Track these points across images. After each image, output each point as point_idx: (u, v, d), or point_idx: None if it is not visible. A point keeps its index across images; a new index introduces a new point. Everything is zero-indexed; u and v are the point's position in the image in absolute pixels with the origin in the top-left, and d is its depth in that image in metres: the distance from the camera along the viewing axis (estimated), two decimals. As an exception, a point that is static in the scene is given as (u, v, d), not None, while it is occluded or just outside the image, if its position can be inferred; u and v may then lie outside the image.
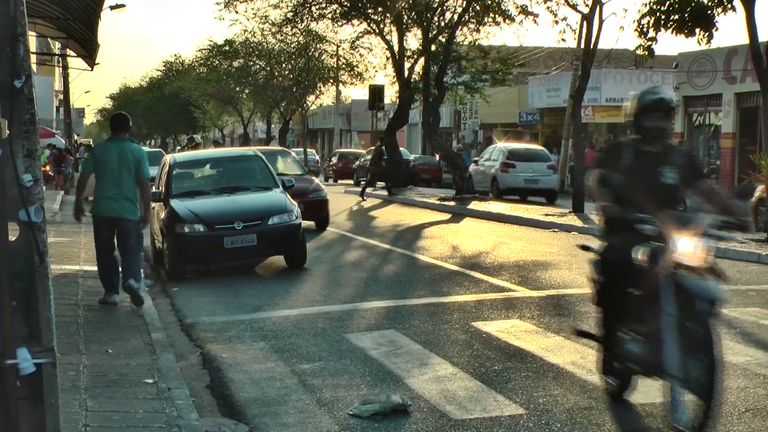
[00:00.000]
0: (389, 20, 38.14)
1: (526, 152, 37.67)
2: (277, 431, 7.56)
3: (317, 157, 67.64)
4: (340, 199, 37.57)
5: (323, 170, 59.72)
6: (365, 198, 37.45)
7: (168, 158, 19.09)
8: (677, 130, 44.40)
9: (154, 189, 18.43)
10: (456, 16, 36.54)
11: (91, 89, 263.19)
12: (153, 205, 18.24)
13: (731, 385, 8.42)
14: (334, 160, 61.41)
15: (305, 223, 21.41)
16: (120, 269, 12.89)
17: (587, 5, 28.43)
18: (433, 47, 37.34)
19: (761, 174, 19.80)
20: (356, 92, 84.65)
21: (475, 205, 30.96)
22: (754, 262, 16.97)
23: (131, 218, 12.81)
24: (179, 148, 63.80)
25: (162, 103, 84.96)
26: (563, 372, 9.04)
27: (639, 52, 23.48)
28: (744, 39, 20.38)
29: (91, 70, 24.89)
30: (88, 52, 20.88)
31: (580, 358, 9.54)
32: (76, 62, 29.94)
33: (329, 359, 9.92)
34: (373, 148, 42.60)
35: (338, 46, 53.96)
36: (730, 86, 39.72)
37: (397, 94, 40.32)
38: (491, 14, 36.20)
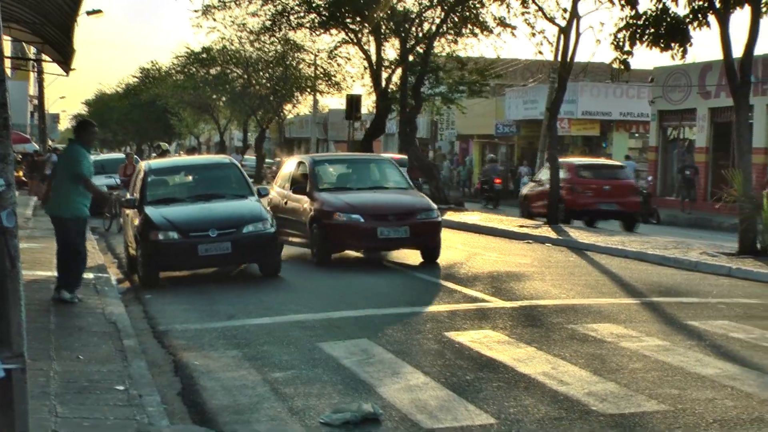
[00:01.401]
0: (367, 30, 38.19)
1: (401, 161, 44.58)
2: (247, 439, 7.57)
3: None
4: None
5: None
6: None
7: (143, 165, 19.04)
8: (652, 143, 44.68)
9: (128, 195, 18.42)
10: (434, 27, 36.64)
11: (67, 95, 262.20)
12: (127, 211, 18.25)
13: (699, 396, 8.49)
14: None
15: (406, 255, 19.28)
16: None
17: (565, 18, 28.59)
18: (410, 58, 37.44)
19: (733, 189, 19.94)
20: (333, 102, 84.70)
21: (450, 216, 31.00)
22: (724, 276, 17.09)
23: None
24: (154, 155, 63.63)
25: (138, 109, 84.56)
26: (534, 382, 9.08)
27: (615, 65, 23.58)
28: (718, 54, 20.55)
29: (67, 75, 24.78)
30: (64, 57, 20.80)
31: (551, 369, 9.58)
32: (51, 67, 29.83)
33: (302, 368, 9.92)
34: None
35: (316, 56, 53.99)
36: (705, 101, 39.97)
37: (375, 104, 40.41)
38: (469, 26, 36.32)
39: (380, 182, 20.09)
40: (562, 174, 29.33)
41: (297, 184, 19.74)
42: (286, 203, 19.97)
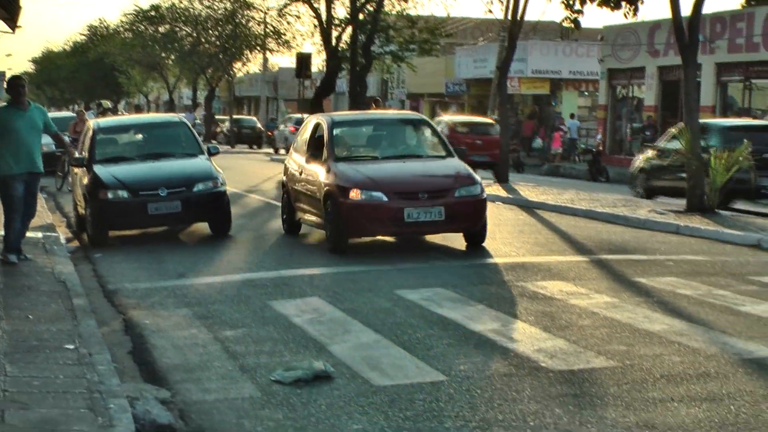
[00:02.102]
0: (317, -12, 37.97)
1: None
2: (199, 397, 7.57)
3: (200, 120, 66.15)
4: (268, 167, 37.66)
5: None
6: None
7: (92, 123, 18.85)
8: (601, 102, 44.92)
9: (77, 154, 18.23)
10: (384, -15, 36.47)
11: (13, 53, 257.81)
12: (76, 170, 18.08)
13: (647, 352, 8.60)
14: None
15: (449, 238, 15.72)
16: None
17: (514, -23, 28.53)
18: (360, 16, 37.27)
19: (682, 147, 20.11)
20: (283, 60, 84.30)
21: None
22: (672, 233, 17.25)
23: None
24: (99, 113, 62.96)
25: (86, 68, 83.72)
26: (484, 340, 9.14)
27: (565, 24, 23.64)
28: (667, 13, 20.62)
29: (13, 32, 24.42)
30: (10, 14, 20.49)
31: (501, 326, 9.65)
32: (-3, 24, 29.33)
33: (252, 326, 9.93)
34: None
35: (266, 14, 53.65)
36: (654, 59, 40.21)
37: (325, 63, 40.23)
38: (419, -16, 36.22)
39: (414, 149, 16.47)
40: (443, 130, 32.96)
41: (312, 151, 16.17)
42: (301, 173, 16.41)
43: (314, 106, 40.03)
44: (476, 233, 15.08)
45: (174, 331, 9.82)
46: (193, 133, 18.41)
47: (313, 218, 15.75)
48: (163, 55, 65.40)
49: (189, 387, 7.83)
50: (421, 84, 58.87)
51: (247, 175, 32.36)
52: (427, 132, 16.88)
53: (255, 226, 18.59)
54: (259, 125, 65.66)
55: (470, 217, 14.71)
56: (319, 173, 15.38)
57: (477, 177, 15.24)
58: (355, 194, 14.36)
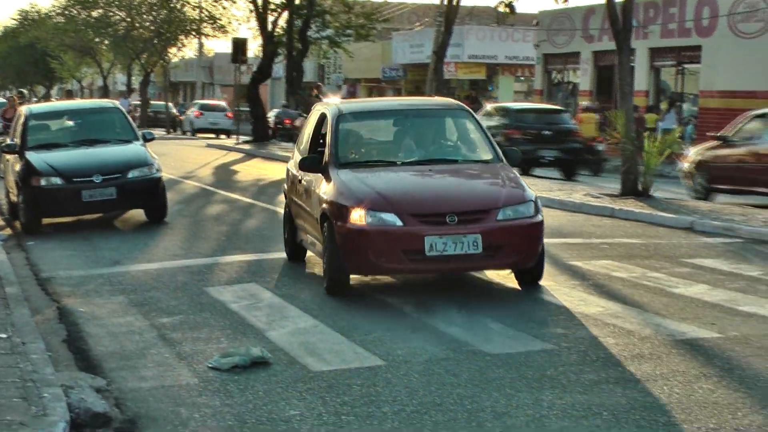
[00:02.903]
0: (252, -28, 37.78)
1: (211, 106, 58.70)
2: (135, 385, 7.51)
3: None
4: (204, 153, 37.43)
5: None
6: None
7: (24, 109, 18.60)
8: (537, 87, 45.18)
9: (8, 140, 17.97)
10: (320, -30, 36.40)
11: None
12: (8, 157, 17.82)
13: (583, 334, 8.68)
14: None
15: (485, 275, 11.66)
16: None
17: (450, -39, 28.59)
18: (296, 1, 37.15)
19: (616, 131, 20.29)
20: (219, 45, 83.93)
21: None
22: (607, 216, 17.41)
23: None
24: (35, 99, 62.27)
25: (18, 53, 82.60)
26: (422, 324, 9.17)
27: (501, 9, 23.72)
28: (601, -2, 20.79)
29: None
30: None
31: (439, 310, 9.68)
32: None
33: (189, 313, 9.87)
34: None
35: (201, -2, 53.21)
36: (588, 45, 40.52)
37: (261, 48, 40.09)
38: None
39: (447, 150, 12.09)
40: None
41: (312, 153, 12.21)
42: (300, 181, 12.30)
43: (251, 91, 39.94)
44: (530, 271, 10.93)
45: (109, 318, 9.73)
46: (127, 119, 18.24)
47: (313, 241, 11.82)
48: (97, 40, 64.71)
49: (125, 375, 7.77)
50: (358, 69, 58.81)
51: (184, 161, 32.13)
52: (467, 126, 12.25)
53: (191, 212, 18.47)
54: (174, 110, 67.30)
55: (519, 249, 10.47)
56: (317, 183, 11.45)
57: (530, 191, 10.94)
58: (358, 216, 10.35)
